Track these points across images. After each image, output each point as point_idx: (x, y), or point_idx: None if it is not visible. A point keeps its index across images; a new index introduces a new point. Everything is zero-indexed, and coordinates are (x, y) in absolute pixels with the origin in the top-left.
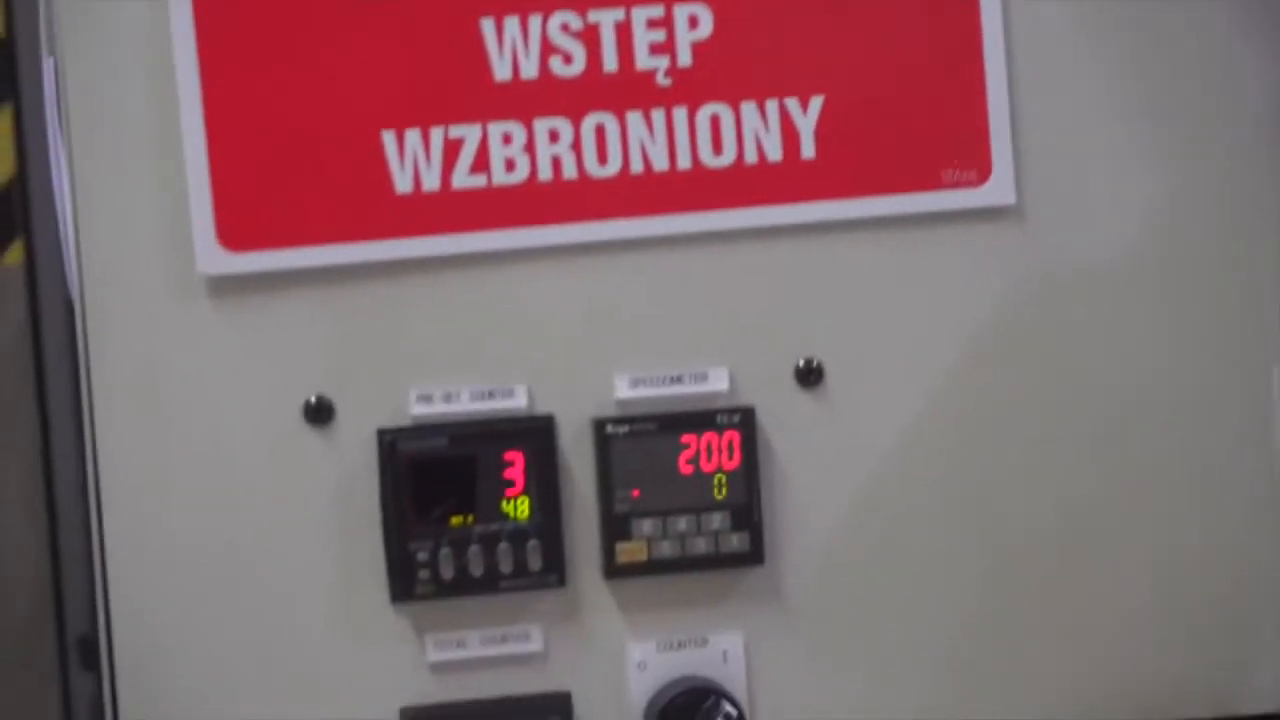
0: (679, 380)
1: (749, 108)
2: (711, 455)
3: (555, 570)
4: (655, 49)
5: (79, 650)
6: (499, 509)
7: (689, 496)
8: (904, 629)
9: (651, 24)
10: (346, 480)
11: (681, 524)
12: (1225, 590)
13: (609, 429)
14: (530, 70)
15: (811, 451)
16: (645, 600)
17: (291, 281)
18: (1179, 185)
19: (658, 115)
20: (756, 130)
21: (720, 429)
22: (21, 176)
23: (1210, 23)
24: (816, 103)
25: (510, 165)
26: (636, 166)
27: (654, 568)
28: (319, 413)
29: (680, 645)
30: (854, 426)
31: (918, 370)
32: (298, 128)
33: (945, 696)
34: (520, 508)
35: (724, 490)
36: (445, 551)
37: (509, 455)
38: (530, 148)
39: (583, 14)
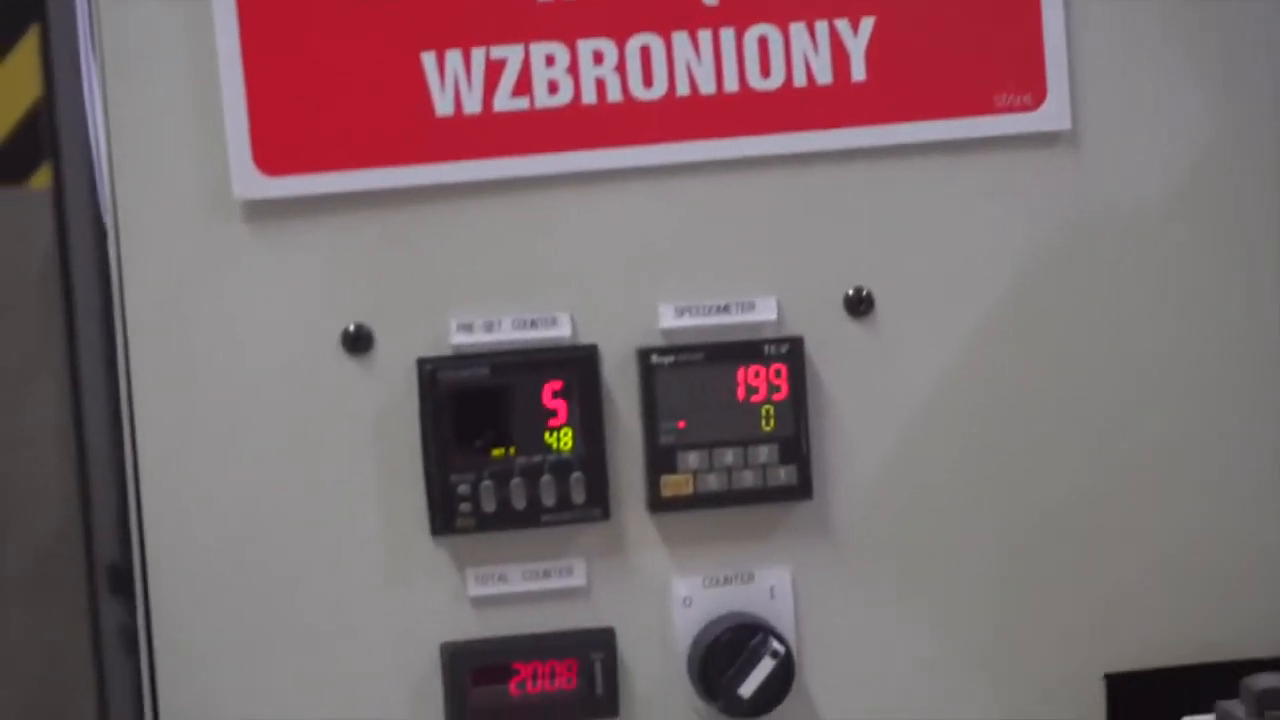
0: (726, 309)
1: (798, 29)
2: (759, 386)
3: (599, 503)
4: None
5: (108, 576)
6: (541, 440)
7: (736, 428)
8: (953, 566)
9: None
10: (386, 411)
11: (728, 456)
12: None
13: (654, 359)
14: None
15: (861, 383)
16: (691, 534)
17: (329, 206)
18: (1235, 114)
19: (704, 36)
20: (805, 52)
21: (768, 359)
22: (49, 99)
23: None
24: (867, 24)
25: (553, 87)
26: (683, 89)
27: (700, 501)
28: (357, 341)
29: (726, 581)
30: (904, 357)
31: (969, 300)
32: (336, 48)
33: (992, 635)
34: (563, 439)
35: (772, 422)
36: (486, 484)
37: (552, 386)
38: (574, 69)
39: None
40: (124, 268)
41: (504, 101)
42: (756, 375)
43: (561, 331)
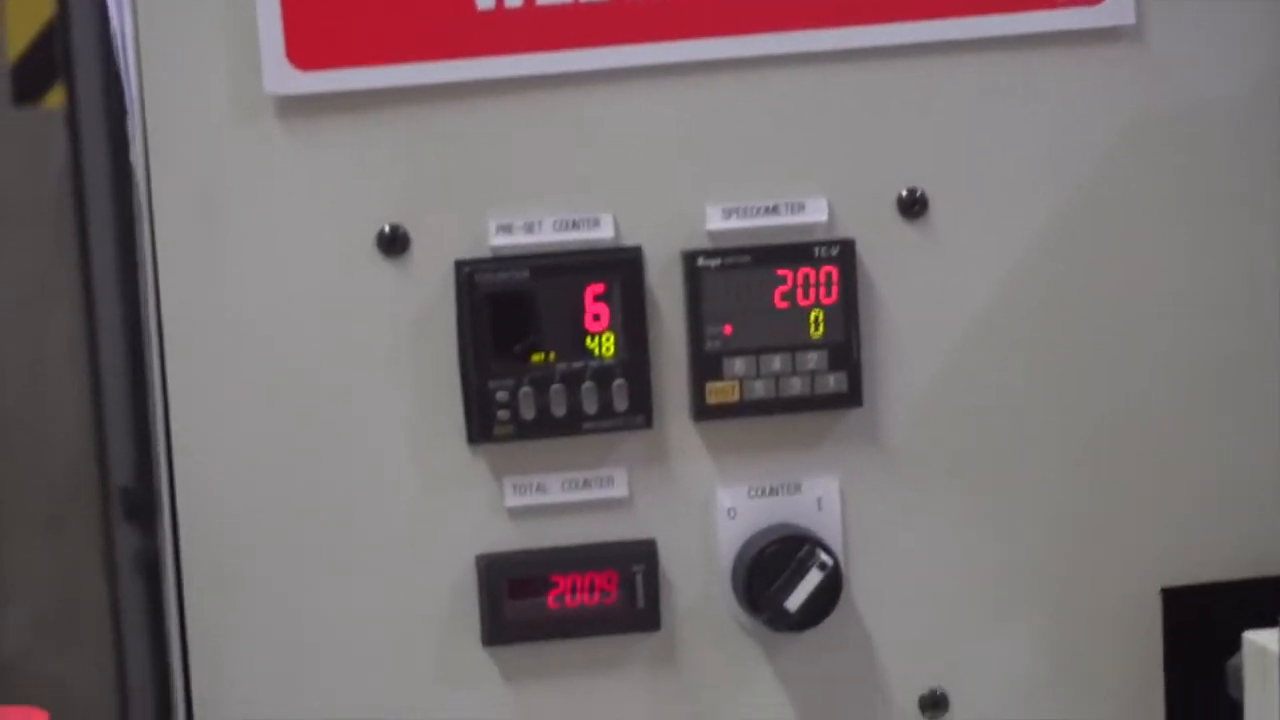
0: (774, 211)
1: None
2: (808, 290)
3: (642, 411)
4: None
5: (122, 500)
6: (583, 346)
7: (784, 334)
8: (1007, 477)
9: None
10: (422, 315)
11: (775, 363)
12: None
13: (700, 262)
14: None
15: (914, 287)
16: (736, 443)
17: (365, 103)
18: None
19: None
20: None
21: (818, 262)
22: (63, 15)
23: None
24: None
25: None
26: None
27: (746, 409)
28: (393, 243)
29: (772, 491)
30: (959, 261)
31: (1026, 203)
32: None
33: (1046, 549)
34: (605, 345)
35: (821, 327)
36: (525, 390)
37: (594, 289)
38: None
39: None
40: (151, 172)
41: None
42: (806, 279)
43: (604, 233)
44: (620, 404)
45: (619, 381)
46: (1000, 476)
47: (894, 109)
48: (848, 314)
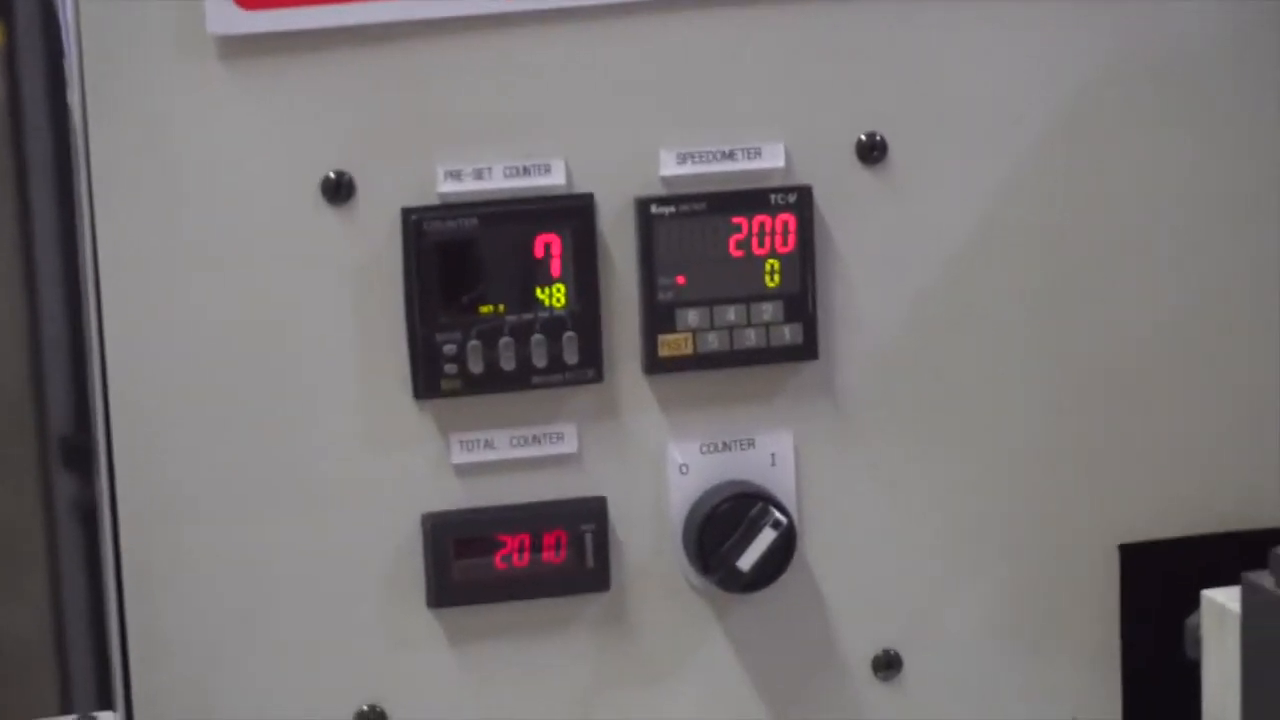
0: (730, 156)
1: None
2: (764, 238)
3: (593, 364)
4: None
5: (60, 448)
6: (533, 297)
7: (738, 284)
8: (965, 433)
9: None
10: (368, 264)
11: (730, 314)
12: None
13: (653, 209)
14: None
15: (873, 236)
16: (689, 397)
17: (310, 44)
18: None
19: None
20: None
21: (774, 210)
22: None
23: None
24: None
25: None
26: None
27: (699, 362)
28: (339, 189)
29: (725, 447)
30: (919, 208)
31: (991, 148)
32: None
33: (1003, 505)
34: (556, 295)
35: (777, 277)
36: (474, 343)
37: (544, 238)
38: None
39: None
40: (89, 114)
41: None
42: (762, 227)
43: (556, 180)
44: (570, 357)
45: (569, 334)
46: (958, 432)
47: (853, 52)
48: (804, 263)
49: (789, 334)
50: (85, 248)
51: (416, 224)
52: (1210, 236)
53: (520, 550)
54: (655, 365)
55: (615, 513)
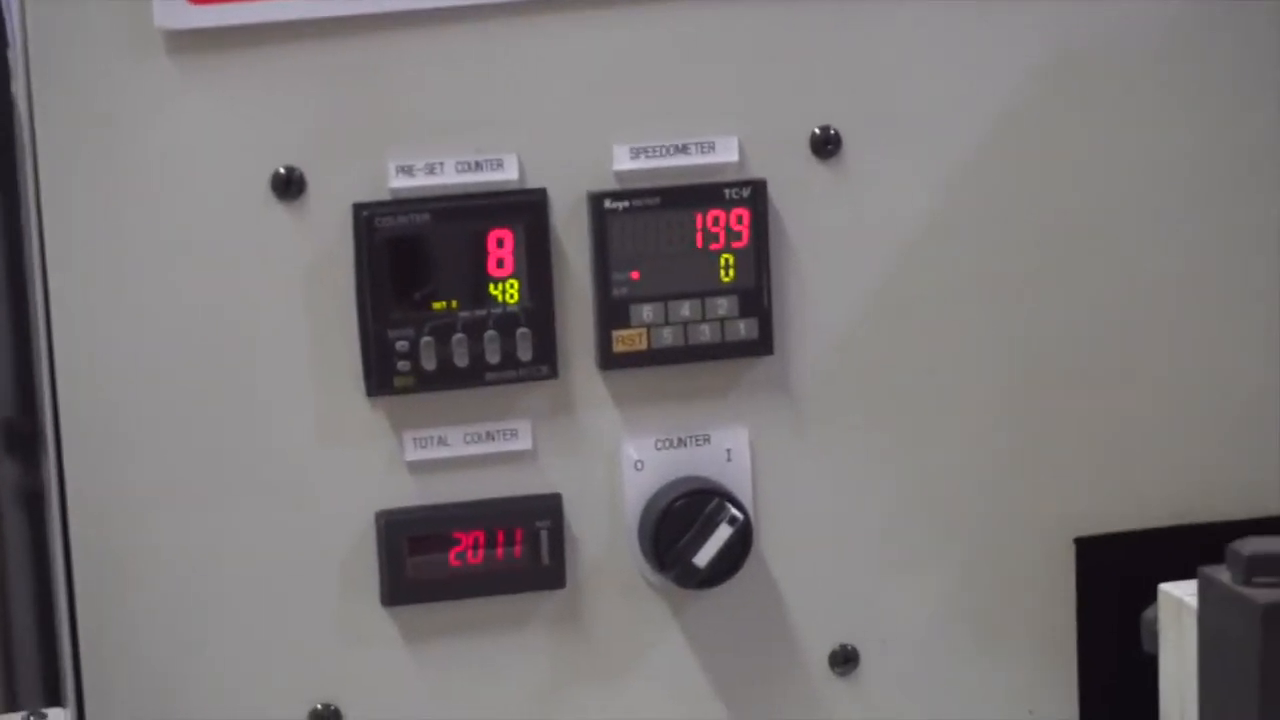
0: (684, 150)
1: None
2: (718, 233)
3: (546, 360)
4: None
5: (3, 433)
6: (486, 293)
7: (693, 279)
8: (921, 427)
9: None
10: (319, 260)
11: (684, 309)
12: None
13: (607, 204)
14: None
15: (827, 230)
16: (643, 393)
17: (259, 38)
18: None
19: None
20: None
21: (728, 204)
22: None
23: None
24: None
25: None
26: None
27: (653, 357)
28: (289, 185)
29: (681, 443)
30: (874, 203)
31: (945, 142)
32: None
33: (958, 499)
34: (509, 291)
35: (731, 272)
36: (427, 340)
37: (497, 233)
38: None
39: None
40: (34, 107)
41: None
42: (716, 221)
43: (508, 174)
44: (524, 353)
45: (523, 330)
46: (913, 427)
47: (806, 45)
48: (759, 258)
49: (744, 329)
50: (31, 239)
51: (368, 220)
52: (1159, 227)
53: (475, 547)
54: (610, 361)
55: (570, 509)
